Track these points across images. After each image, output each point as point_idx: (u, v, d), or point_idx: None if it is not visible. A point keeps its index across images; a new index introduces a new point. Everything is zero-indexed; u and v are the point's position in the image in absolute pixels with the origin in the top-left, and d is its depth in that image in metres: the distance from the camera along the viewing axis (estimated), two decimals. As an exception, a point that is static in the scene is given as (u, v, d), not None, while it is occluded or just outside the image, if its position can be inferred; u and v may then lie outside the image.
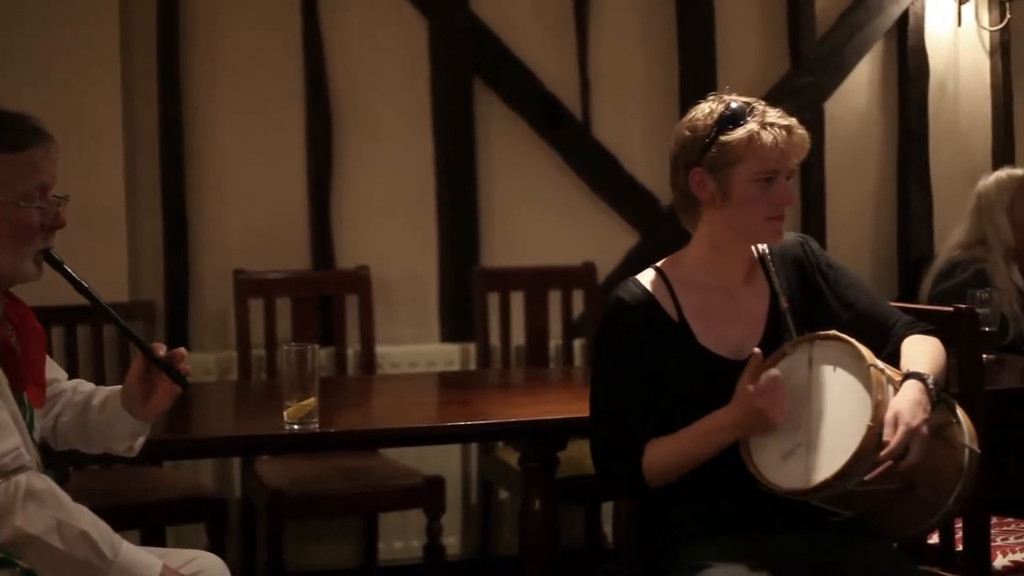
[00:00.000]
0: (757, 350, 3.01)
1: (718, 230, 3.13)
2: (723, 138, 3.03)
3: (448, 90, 5.51)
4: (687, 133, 3.10)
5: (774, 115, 3.06)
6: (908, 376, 2.96)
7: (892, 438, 2.84)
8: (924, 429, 2.87)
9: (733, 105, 3.07)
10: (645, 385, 3.08)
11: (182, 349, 2.86)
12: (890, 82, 6.28)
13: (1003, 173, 5.46)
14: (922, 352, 3.08)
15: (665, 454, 3.05)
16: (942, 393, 2.98)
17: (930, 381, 2.95)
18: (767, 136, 3.01)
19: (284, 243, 5.35)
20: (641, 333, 3.08)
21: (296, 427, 3.39)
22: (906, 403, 2.89)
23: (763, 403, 2.96)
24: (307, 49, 5.36)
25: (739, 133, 3.02)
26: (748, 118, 3.04)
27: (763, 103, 3.10)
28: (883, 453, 2.83)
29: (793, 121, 3.07)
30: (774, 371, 2.99)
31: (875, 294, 3.26)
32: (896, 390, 2.94)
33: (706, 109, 3.10)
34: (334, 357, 5.15)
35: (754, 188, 3.05)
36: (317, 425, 3.41)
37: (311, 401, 3.40)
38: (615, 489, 3.20)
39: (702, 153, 3.06)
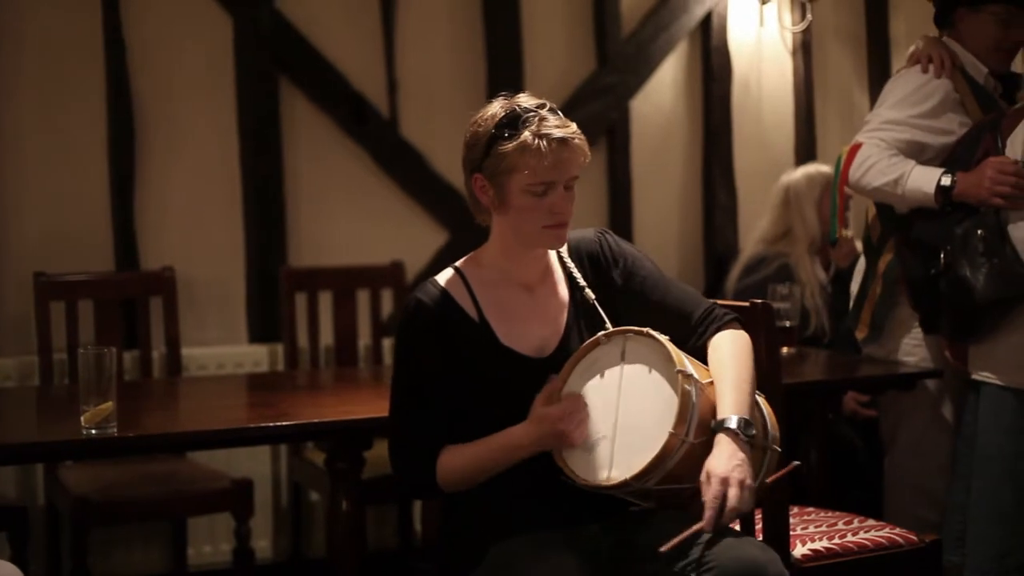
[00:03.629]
0: (554, 376, 3.02)
1: (505, 233, 3.12)
2: (498, 146, 3.00)
3: (253, 89, 5.44)
4: (469, 136, 3.07)
5: (552, 124, 2.99)
6: (716, 429, 2.96)
7: (707, 495, 2.87)
8: (736, 475, 2.88)
9: (515, 111, 3.02)
10: (444, 388, 3.07)
11: None
12: (695, 81, 6.38)
13: (812, 168, 5.59)
14: (727, 366, 3.08)
15: (461, 464, 3.06)
16: (749, 430, 2.97)
17: (736, 425, 2.96)
18: (539, 148, 2.96)
19: (86, 244, 5.24)
20: (440, 335, 3.06)
21: (94, 432, 3.32)
22: (717, 457, 2.91)
23: (565, 426, 2.98)
24: (108, 47, 5.24)
25: (511, 144, 2.98)
26: (522, 127, 2.98)
27: (548, 107, 3.04)
28: (702, 525, 2.87)
29: (571, 130, 3.01)
30: (577, 392, 3.02)
31: (673, 282, 3.26)
32: (706, 397, 2.98)
33: (489, 112, 3.06)
34: (139, 360, 5.05)
35: (528, 199, 3.02)
36: (116, 429, 3.35)
37: (109, 405, 3.32)
38: (412, 494, 3.18)
39: (481, 159, 3.03)
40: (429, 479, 3.07)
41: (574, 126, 3.04)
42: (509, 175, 3.00)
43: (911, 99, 4.32)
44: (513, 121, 3.00)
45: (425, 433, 3.08)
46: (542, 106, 3.04)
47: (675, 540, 2.87)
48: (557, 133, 2.98)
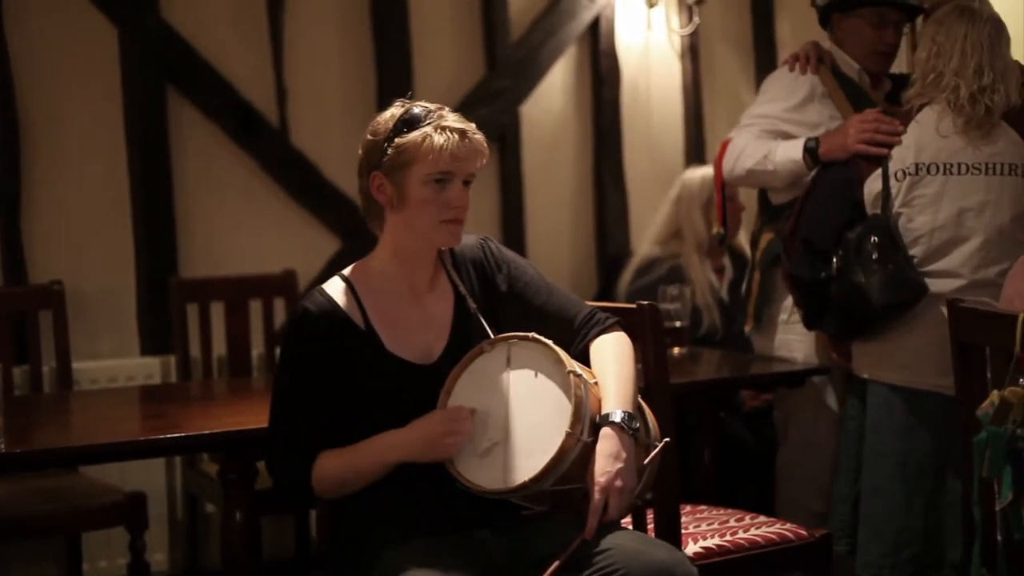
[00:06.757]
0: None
1: (399, 234, 3.15)
2: (398, 140, 3.07)
3: (140, 99, 5.39)
4: (369, 137, 3.14)
5: (451, 119, 3.10)
6: (600, 423, 3.03)
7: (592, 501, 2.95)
8: (618, 483, 2.96)
9: (413, 110, 3.11)
10: (326, 395, 3.08)
11: None
12: (584, 85, 6.42)
13: (711, 171, 5.60)
14: (610, 366, 3.15)
15: (337, 467, 3.07)
16: (633, 423, 3.04)
17: (620, 419, 3.02)
18: (439, 138, 3.05)
19: (-27, 259, 5.18)
20: (326, 343, 3.07)
21: (-19, 448, 3.30)
22: (598, 460, 2.97)
23: (445, 430, 3.01)
24: (-9, 58, 5.19)
25: (412, 135, 3.06)
26: (423, 123, 3.08)
27: (446, 109, 3.15)
28: (583, 536, 2.93)
29: (470, 126, 3.11)
30: (466, 406, 3.04)
31: (555, 288, 3.32)
32: (594, 396, 3.03)
33: (388, 114, 3.14)
34: (28, 375, 4.98)
35: (426, 190, 3.08)
36: (3, 445, 3.31)
37: (-4, 421, 3.30)
38: (287, 498, 3.17)
39: (380, 156, 3.09)
40: (304, 482, 3.08)
41: (473, 125, 3.13)
42: (408, 168, 3.06)
43: (779, 95, 4.48)
44: (413, 118, 3.09)
45: (302, 437, 3.09)
46: (440, 108, 3.13)
47: (554, 565, 2.91)
48: (457, 125, 3.08)
